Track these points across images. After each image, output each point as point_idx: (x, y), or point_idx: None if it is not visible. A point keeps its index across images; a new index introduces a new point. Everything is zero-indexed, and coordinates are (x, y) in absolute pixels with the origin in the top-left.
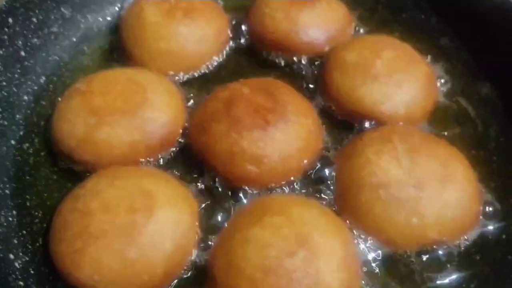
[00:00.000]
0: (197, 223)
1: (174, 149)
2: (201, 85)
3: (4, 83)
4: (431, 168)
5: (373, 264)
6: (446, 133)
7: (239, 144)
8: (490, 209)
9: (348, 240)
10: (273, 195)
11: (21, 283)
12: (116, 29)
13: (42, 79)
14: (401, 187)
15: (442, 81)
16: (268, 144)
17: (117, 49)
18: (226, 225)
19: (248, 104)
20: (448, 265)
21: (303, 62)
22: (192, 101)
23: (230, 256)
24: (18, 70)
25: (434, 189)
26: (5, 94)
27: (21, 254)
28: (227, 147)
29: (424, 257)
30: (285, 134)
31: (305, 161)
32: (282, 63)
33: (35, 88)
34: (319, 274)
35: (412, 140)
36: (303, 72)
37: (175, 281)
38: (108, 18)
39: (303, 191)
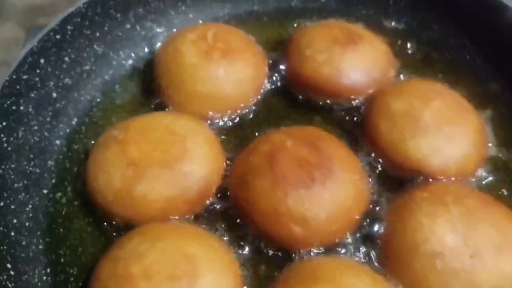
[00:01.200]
0: (241, 284)
1: (212, 200)
2: (239, 130)
3: (35, 128)
4: (488, 235)
5: None
6: (497, 190)
7: (285, 203)
8: None
9: None
10: (322, 258)
11: None
12: (150, 67)
13: (74, 121)
14: (457, 256)
15: (489, 130)
16: (314, 204)
17: (151, 88)
18: None
19: (292, 159)
20: None
21: (344, 105)
22: (230, 148)
23: None
24: (50, 113)
25: (491, 259)
26: (37, 139)
27: None
28: (271, 205)
29: None
30: (332, 193)
31: (353, 221)
32: (321, 105)
33: (67, 131)
34: None
35: (467, 201)
36: (344, 117)
37: None
38: (141, 55)
39: (349, 253)
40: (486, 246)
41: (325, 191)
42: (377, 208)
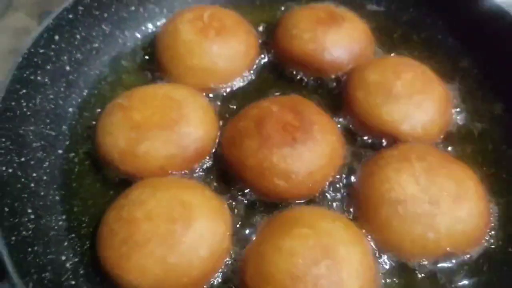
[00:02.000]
0: (229, 233)
1: (207, 162)
2: (232, 100)
3: (51, 96)
4: (446, 186)
5: (390, 274)
6: (459, 151)
7: (270, 160)
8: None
9: (367, 251)
10: (301, 207)
11: (72, 282)
12: (152, 45)
13: (85, 92)
14: (418, 203)
15: (456, 101)
16: (296, 161)
17: (153, 64)
18: (256, 234)
19: (277, 122)
20: (460, 273)
21: (326, 80)
22: (222, 115)
23: (261, 263)
24: (64, 84)
25: (448, 206)
26: (52, 106)
27: (71, 255)
28: (258, 162)
29: (438, 266)
30: (311, 151)
31: (329, 176)
32: (307, 81)
33: (79, 100)
34: (342, 282)
35: (429, 158)
36: (327, 90)
37: (209, 283)
38: (145, 34)
39: (326, 203)
40: (444, 195)
41: (305, 149)
42: (353, 167)
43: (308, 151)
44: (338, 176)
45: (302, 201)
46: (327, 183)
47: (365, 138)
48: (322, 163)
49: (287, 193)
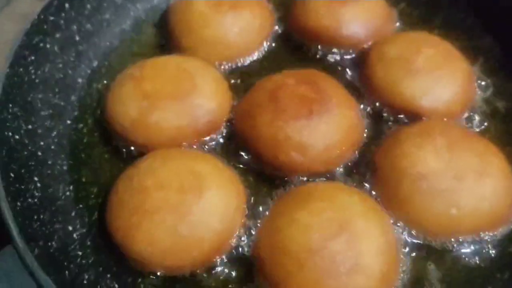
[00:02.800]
0: (243, 205)
1: (219, 136)
2: (246, 74)
3: (60, 65)
4: (469, 162)
5: (411, 251)
6: (483, 129)
7: (285, 132)
8: None
9: (387, 226)
10: (317, 182)
11: (79, 253)
12: (163, 18)
13: (95, 63)
14: (441, 178)
15: (480, 79)
16: (312, 133)
17: (165, 37)
18: (270, 209)
19: (293, 94)
20: (482, 252)
21: (345, 56)
22: (236, 89)
23: (277, 236)
24: (73, 54)
25: (471, 181)
26: (62, 76)
27: (78, 226)
28: (273, 134)
29: (458, 246)
30: (329, 124)
31: (347, 151)
32: (325, 57)
33: (88, 71)
34: (360, 256)
35: (451, 134)
36: (345, 66)
37: (222, 257)
38: (157, 7)
39: (344, 179)
40: (468, 171)
41: (322, 122)
42: (373, 144)
43: (326, 124)
44: (356, 152)
45: (320, 178)
46: (346, 159)
47: (385, 115)
48: (339, 137)
49: (302, 167)
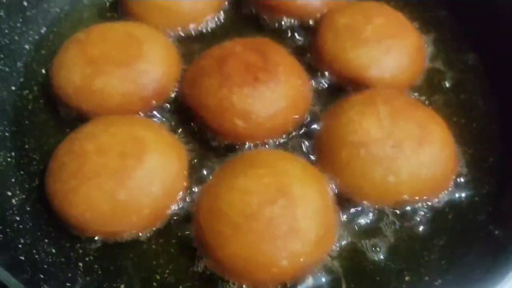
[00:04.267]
0: (185, 171)
1: (167, 104)
2: (196, 43)
3: (6, 31)
4: (410, 130)
5: (349, 218)
6: (430, 100)
7: (229, 99)
8: (465, 169)
9: (325, 192)
10: (259, 149)
11: (17, 218)
12: None
13: (43, 30)
14: (380, 146)
15: (430, 49)
16: (256, 101)
17: (116, 3)
18: (212, 175)
19: (240, 62)
20: (420, 219)
21: (297, 24)
22: (186, 57)
23: (215, 201)
24: (20, 19)
25: (410, 149)
26: (7, 41)
27: (18, 192)
28: (217, 101)
29: (398, 211)
30: (274, 92)
31: (292, 120)
32: (278, 26)
33: (36, 37)
34: (296, 221)
35: (395, 103)
36: (296, 35)
37: (162, 222)
38: None
39: (289, 147)
40: (408, 139)
41: (267, 90)
42: (317, 113)
43: (270, 92)
44: (302, 120)
45: (266, 146)
46: (291, 128)
47: (333, 85)
48: (284, 105)
49: (246, 134)
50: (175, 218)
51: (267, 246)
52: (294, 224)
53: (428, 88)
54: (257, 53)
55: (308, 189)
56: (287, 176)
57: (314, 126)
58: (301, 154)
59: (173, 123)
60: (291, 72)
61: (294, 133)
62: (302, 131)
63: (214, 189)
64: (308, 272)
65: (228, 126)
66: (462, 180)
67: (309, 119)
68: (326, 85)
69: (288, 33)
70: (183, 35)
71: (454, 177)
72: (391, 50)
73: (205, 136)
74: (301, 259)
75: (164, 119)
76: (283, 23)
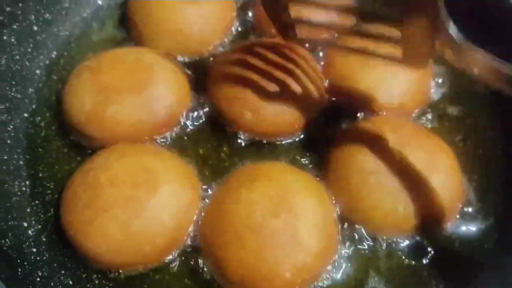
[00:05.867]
0: (198, 201)
1: (178, 130)
2: (206, 66)
3: (17, 57)
4: (419, 159)
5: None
6: (437, 125)
7: (244, 91)
8: (472, 197)
9: (327, 205)
10: (263, 162)
11: (33, 249)
12: (124, 5)
13: (53, 54)
14: (388, 175)
15: (436, 73)
16: (266, 101)
17: (125, 26)
18: (217, 189)
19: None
20: (427, 246)
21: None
22: (196, 82)
23: (220, 213)
24: (31, 45)
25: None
26: (18, 68)
27: (33, 222)
28: (233, 93)
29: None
30: (285, 98)
31: (298, 125)
32: None
33: (47, 62)
34: (298, 233)
35: (403, 131)
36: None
37: (175, 252)
38: None
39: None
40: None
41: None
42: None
43: (282, 98)
44: (307, 127)
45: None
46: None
47: (343, 107)
48: (293, 112)
49: (251, 126)
50: (188, 249)
51: (270, 258)
52: (296, 237)
53: (435, 113)
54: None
55: (310, 202)
56: (290, 189)
57: (324, 146)
58: (305, 165)
59: (183, 150)
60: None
61: (303, 153)
62: (306, 139)
63: (219, 202)
64: (310, 283)
65: (237, 114)
66: (469, 208)
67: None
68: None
69: None
70: (192, 59)
71: (460, 205)
72: (398, 75)
73: (214, 157)
74: (304, 271)
75: (174, 146)
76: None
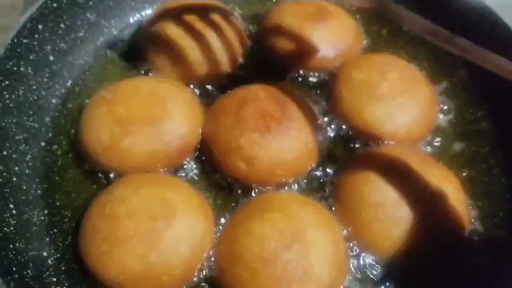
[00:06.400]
0: (212, 231)
1: (192, 160)
2: (219, 93)
3: (34, 87)
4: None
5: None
6: (442, 153)
7: (237, 141)
8: (478, 224)
9: (338, 237)
10: (274, 192)
11: (54, 279)
12: (138, 34)
13: (69, 83)
14: (397, 206)
15: (442, 101)
16: (261, 149)
17: (138, 54)
18: (230, 219)
19: (258, 108)
20: (433, 274)
21: (315, 75)
22: (209, 107)
23: (233, 246)
24: (47, 74)
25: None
26: (35, 97)
27: (52, 251)
28: (227, 140)
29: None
30: (281, 145)
31: (293, 172)
32: (296, 75)
33: (63, 91)
34: (310, 265)
35: (409, 162)
36: (315, 86)
37: (191, 281)
38: (131, 24)
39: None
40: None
41: (274, 141)
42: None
43: (277, 143)
44: (321, 170)
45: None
46: (291, 178)
47: (350, 137)
48: (288, 158)
49: (246, 177)
50: (202, 281)
51: None
52: (308, 269)
53: (440, 139)
54: (277, 103)
55: (320, 233)
56: (301, 220)
57: (331, 177)
58: (315, 194)
59: (198, 179)
60: (304, 128)
61: (312, 181)
62: (322, 181)
63: (231, 233)
64: None
65: (231, 165)
66: (474, 236)
67: (328, 169)
68: (344, 138)
69: (306, 83)
70: (206, 87)
71: (466, 233)
72: (404, 106)
73: (226, 185)
74: None
75: (189, 175)
76: (301, 71)
